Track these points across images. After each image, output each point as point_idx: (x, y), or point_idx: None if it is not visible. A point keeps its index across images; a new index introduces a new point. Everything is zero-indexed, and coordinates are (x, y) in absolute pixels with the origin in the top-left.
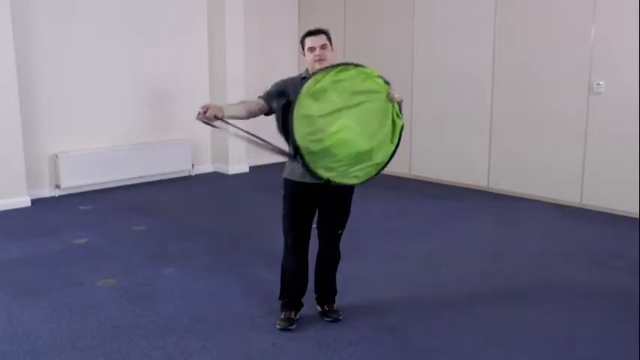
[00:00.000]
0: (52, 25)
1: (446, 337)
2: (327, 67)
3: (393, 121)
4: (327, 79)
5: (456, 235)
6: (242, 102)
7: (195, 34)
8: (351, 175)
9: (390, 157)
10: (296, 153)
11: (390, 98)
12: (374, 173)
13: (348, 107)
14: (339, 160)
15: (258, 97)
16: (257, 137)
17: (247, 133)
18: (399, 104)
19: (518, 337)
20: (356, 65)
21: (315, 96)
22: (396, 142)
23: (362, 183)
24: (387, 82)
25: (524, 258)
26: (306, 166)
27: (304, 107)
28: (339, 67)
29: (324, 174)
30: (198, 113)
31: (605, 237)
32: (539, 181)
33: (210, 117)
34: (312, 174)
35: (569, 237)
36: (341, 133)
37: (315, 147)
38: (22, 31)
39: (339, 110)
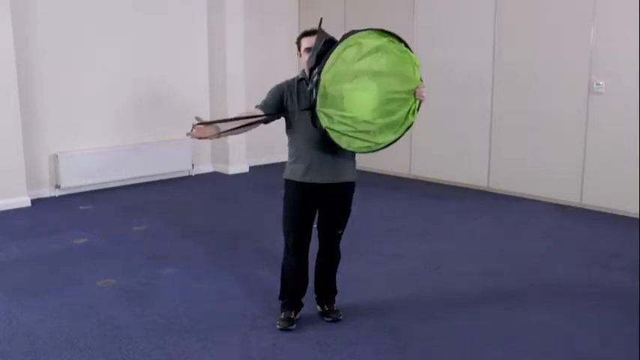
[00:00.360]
0: (52, 25)
1: (446, 337)
2: (386, 31)
3: (407, 116)
4: (375, 37)
5: (456, 235)
6: (239, 115)
7: (195, 34)
8: (344, 139)
9: (387, 145)
10: (313, 85)
11: (418, 94)
12: (364, 151)
13: (380, 76)
14: (343, 117)
15: (256, 107)
16: (243, 118)
17: (233, 120)
18: (420, 103)
19: (518, 337)
20: (407, 45)
21: (358, 46)
22: (399, 134)
23: (347, 151)
24: (421, 79)
25: (524, 258)
26: (313, 103)
27: (346, 50)
28: (397, 38)
29: (323, 121)
30: (192, 130)
31: (605, 237)
32: (539, 181)
33: (202, 137)
34: (314, 115)
35: (569, 237)
36: (360, 91)
37: (331, 90)
38: (22, 31)
39: (372, 72)
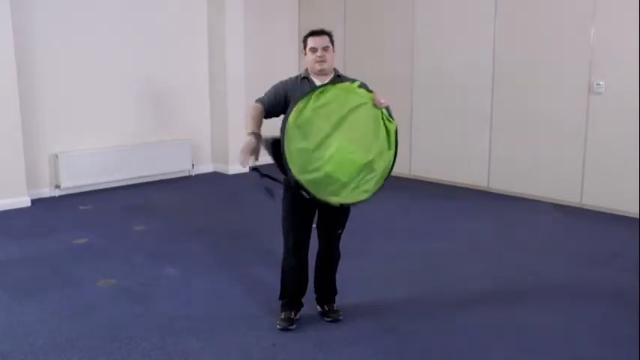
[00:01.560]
0: (52, 25)
1: (446, 337)
2: (307, 92)
3: (386, 127)
4: (309, 109)
5: (456, 235)
6: (252, 117)
7: (195, 33)
8: (361, 190)
9: (393, 163)
10: (299, 187)
11: (376, 104)
12: (382, 182)
13: (337, 128)
14: (343, 183)
15: (256, 101)
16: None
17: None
18: (387, 109)
19: (518, 336)
20: (334, 84)
21: (302, 128)
22: (394, 147)
23: (374, 194)
24: (369, 91)
25: (524, 258)
26: (313, 198)
27: (294, 141)
28: (317, 91)
29: (334, 200)
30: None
31: (605, 237)
32: (539, 181)
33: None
34: (323, 203)
35: (569, 237)
36: (337, 156)
37: (316, 176)
38: (22, 32)
39: (329, 135)
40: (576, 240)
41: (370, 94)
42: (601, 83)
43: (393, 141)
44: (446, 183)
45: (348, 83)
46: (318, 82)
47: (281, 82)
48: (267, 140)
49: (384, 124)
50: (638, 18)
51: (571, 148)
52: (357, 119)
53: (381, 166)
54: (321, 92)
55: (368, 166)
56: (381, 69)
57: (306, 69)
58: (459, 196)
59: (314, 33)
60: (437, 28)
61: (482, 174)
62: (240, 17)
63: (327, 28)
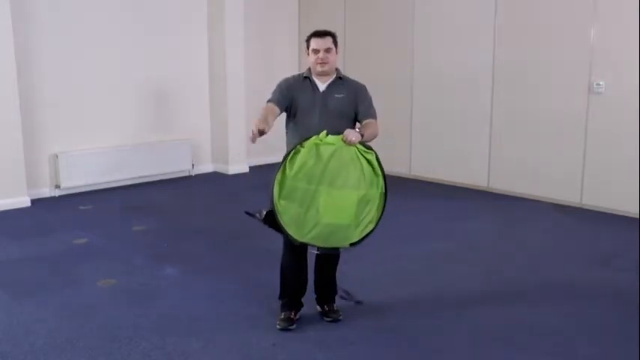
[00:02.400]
0: (52, 25)
1: (446, 337)
2: (282, 161)
3: (367, 159)
4: (288, 178)
5: (456, 235)
6: (266, 112)
7: (195, 34)
8: (365, 222)
9: (385, 185)
10: (308, 245)
11: (348, 144)
12: (383, 205)
13: (321, 182)
14: (347, 225)
15: (268, 101)
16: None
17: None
18: (361, 142)
19: (518, 337)
20: (301, 144)
21: (289, 197)
22: (380, 172)
23: (379, 221)
24: (338, 134)
25: (524, 258)
26: (325, 249)
27: (286, 212)
28: (289, 157)
29: (346, 243)
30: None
31: (605, 237)
32: (539, 181)
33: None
34: (336, 249)
35: (569, 237)
36: (329, 206)
37: (318, 231)
38: (23, 32)
39: (315, 191)
40: (576, 240)
41: (339, 137)
42: (601, 83)
43: (377, 168)
44: (446, 183)
45: (314, 138)
46: (319, 83)
47: (285, 81)
48: (260, 214)
49: (364, 157)
50: (638, 18)
51: (571, 148)
52: (335, 166)
53: (375, 194)
54: (292, 157)
55: (364, 200)
56: (381, 69)
57: (309, 69)
58: (458, 196)
59: (317, 34)
60: (437, 28)
61: (482, 174)
62: (240, 18)
63: (330, 29)
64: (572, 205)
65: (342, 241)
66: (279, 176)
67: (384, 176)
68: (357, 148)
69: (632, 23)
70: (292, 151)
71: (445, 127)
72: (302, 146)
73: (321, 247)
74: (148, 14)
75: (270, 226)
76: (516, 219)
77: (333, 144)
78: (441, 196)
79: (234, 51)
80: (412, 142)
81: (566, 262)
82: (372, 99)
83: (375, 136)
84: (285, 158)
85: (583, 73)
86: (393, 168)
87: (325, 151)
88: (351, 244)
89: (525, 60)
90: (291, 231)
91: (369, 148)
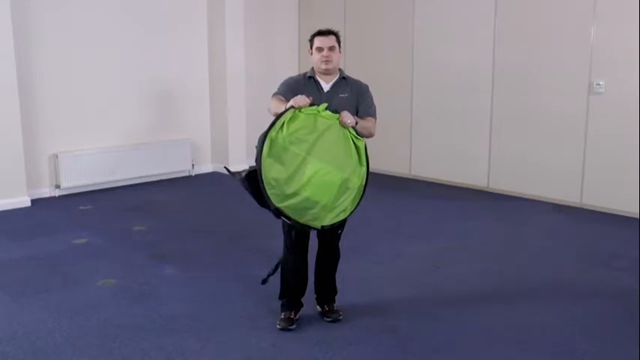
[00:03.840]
0: (52, 25)
1: (446, 337)
2: (275, 119)
3: (355, 145)
4: (282, 137)
5: (456, 235)
6: (279, 101)
7: (195, 33)
8: (339, 210)
9: (366, 179)
10: (280, 214)
11: (343, 125)
12: (359, 199)
13: (310, 152)
14: (323, 206)
15: (275, 94)
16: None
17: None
18: (354, 128)
19: (518, 337)
20: (300, 110)
21: (278, 156)
22: (365, 163)
23: (352, 213)
24: (335, 111)
25: (524, 258)
26: (296, 223)
27: (270, 171)
28: (288, 117)
29: (316, 224)
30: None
31: (605, 237)
32: (540, 181)
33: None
34: (304, 227)
35: (569, 237)
36: (314, 179)
37: (295, 201)
38: (23, 31)
39: (304, 159)
40: (576, 240)
41: (336, 115)
42: (601, 83)
43: (363, 157)
44: (446, 183)
45: (314, 107)
46: (323, 83)
47: (291, 78)
48: (240, 173)
49: (353, 142)
50: (638, 18)
51: (571, 148)
52: (328, 140)
53: (355, 184)
54: (291, 119)
55: (343, 185)
56: (381, 69)
57: (312, 68)
58: (458, 196)
59: (321, 33)
60: (437, 28)
61: (482, 174)
62: (241, 18)
63: (334, 29)
64: (572, 205)
65: (313, 221)
66: (272, 133)
67: (368, 169)
68: (350, 132)
69: (633, 23)
70: (291, 113)
71: (445, 127)
72: (301, 112)
73: (293, 220)
74: (148, 14)
75: (246, 188)
76: (516, 219)
77: (329, 119)
78: (441, 196)
79: (235, 51)
80: (412, 141)
81: (566, 262)
82: (373, 99)
83: (369, 133)
84: (280, 117)
85: (583, 72)
86: (392, 168)
87: (322, 123)
88: (322, 227)
89: (525, 60)
90: (270, 192)
91: (361, 136)
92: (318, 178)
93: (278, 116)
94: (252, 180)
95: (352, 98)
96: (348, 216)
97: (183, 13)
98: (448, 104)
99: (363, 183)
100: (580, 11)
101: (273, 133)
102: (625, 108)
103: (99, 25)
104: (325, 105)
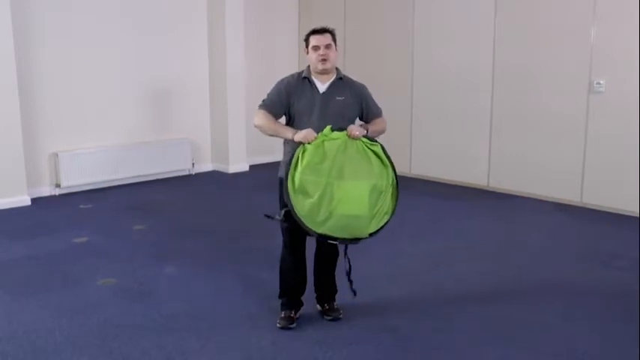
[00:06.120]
0: (52, 24)
1: (445, 336)
2: (289, 162)
3: (373, 151)
4: (299, 172)
5: (456, 234)
6: (272, 123)
7: (195, 33)
8: (381, 214)
9: (395, 174)
10: (325, 238)
11: (352, 137)
12: (396, 196)
13: (329, 176)
14: (363, 216)
15: (260, 108)
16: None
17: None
18: (365, 136)
19: (517, 336)
20: (309, 142)
21: (302, 190)
22: (388, 163)
23: (394, 212)
24: (341, 129)
25: (525, 257)
26: (343, 241)
27: (303, 205)
28: (299, 154)
29: (363, 233)
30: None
31: (606, 236)
32: (540, 180)
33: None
34: (353, 241)
35: (570, 236)
36: (343, 198)
37: (333, 223)
38: (23, 31)
39: (326, 185)
40: (577, 239)
41: (343, 132)
42: (601, 82)
43: (385, 159)
44: (446, 182)
45: (320, 135)
46: (319, 84)
47: (282, 82)
48: (279, 214)
49: (370, 149)
50: (638, 18)
51: (571, 147)
52: (344, 159)
53: (386, 185)
54: (302, 151)
55: (376, 191)
56: (381, 69)
57: (308, 68)
58: (458, 195)
59: (316, 31)
60: (437, 29)
61: (483, 173)
62: (241, 17)
63: (329, 26)
64: (573, 204)
65: (358, 232)
66: (291, 172)
67: (393, 166)
68: (363, 142)
69: (633, 22)
70: (301, 149)
71: (445, 127)
72: (309, 143)
73: (339, 239)
74: (148, 14)
75: (288, 227)
76: (516, 218)
77: (338, 138)
78: (441, 195)
79: (235, 51)
80: (412, 141)
81: (566, 261)
82: (372, 96)
83: (382, 132)
84: (294, 156)
85: (583, 72)
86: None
87: (331, 146)
88: (370, 234)
89: (525, 60)
90: (308, 223)
91: (374, 140)
92: (346, 195)
93: (290, 157)
94: (290, 218)
95: (351, 101)
96: (392, 215)
97: (183, 13)
98: (448, 104)
99: (394, 182)
100: (580, 11)
101: (291, 171)
102: (625, 107)
103: (99, 25)
104: (329, 127)
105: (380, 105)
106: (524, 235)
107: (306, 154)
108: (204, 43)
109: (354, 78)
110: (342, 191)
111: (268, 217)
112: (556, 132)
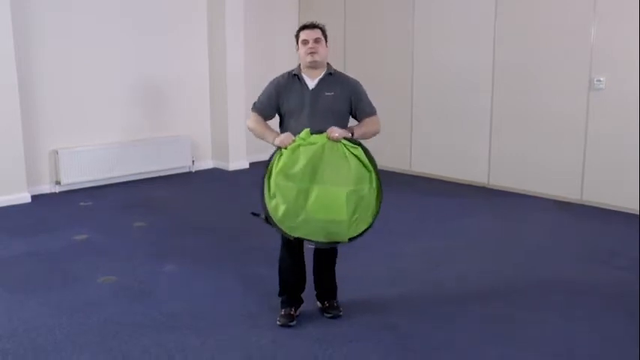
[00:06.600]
0: (52, 22)
1: (445, 335)
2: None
3: (354, 154)
4: (273, 179)
5: (456, 233)
6: (262, 126)
7: (195, 33)
8: (360, 219)
9: (378, 176)
10: (301, 241)
11: (332, 139)
12: (379, 201)
13: (302, 180)
14: (339, 221)
15: (252, 110)
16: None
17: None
18: (349, 139)
19: (517, 334)
20: (285, 146)
21: (277, 195)
22: (371, 167)
23: (376, 217)
24: (321, 132)
25: (525, 255)
26: (321, 244)
27: (277, 211)
28: (275, 159)
29: (341, 238)
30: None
31: (606, 234)
32: (540, 178)
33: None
34: (331, 244)
35: (570, 234)
36: (315, 202)
37: (308, 227)
38: (22, 29)
39: (299, 190)
40: (577, 237)
41: (323, 135)
42: (602, 79)
43: (367, 162)
44: (446, 180)
45: (297, 139)
46: (308, 80)
47: (272, 83)
48: (263, 214)
49: (350, 152)
50: (639, 17)
51: (571, 145)
52: (320, 163)
53: (367, 190)
54: (278, 156)
55: (355, 195)
56: (381, 69)
57: (299, 65)
58: (459, 193)
59: (305, 27)
60: (437, 29)
61: (483, 171)
62: (241, 17)
63: (319, 22)
64: (573, 201)
65: (337, 237)
66: (267, 176)
67: (377, 171)
68: (344, 145)
69: (633, 19)
70: (278, 154)
71: (445, 127)
72: (285, 149)
73: (318, 242)
74: (148, 14)
75: (272, 226)
76: (516, 216)
77: (316, 143)
78: (441, 193)
79: (235, 51)
80: (412, 141)
81: (565, 259)
82: (368, 95)
83: (375, 133)
84: (270, 161)
85: (583, 69)
86: (392, 164)
87: (307, 151)
88: (350, 239)
89: (525, 60)
90: (284, 227)
91: (357, 143)
92: (322, 200)
93: (268, 161)
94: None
95: (341, 96)
96: (373, 221)
97: (183, 13)
98: (448, 104)
99: (376, 185)
100: (580, 11)
101: (267, 176)
102: (626, 104)
103: (99, 25)
104: (307, 130)
105: (380, 105)
106: (525, 234)
107: (282, 158)
108: (204, 43)
109: (355, 77)
110: (316, 196)
111: (255, 215)
112: (556, 131)
